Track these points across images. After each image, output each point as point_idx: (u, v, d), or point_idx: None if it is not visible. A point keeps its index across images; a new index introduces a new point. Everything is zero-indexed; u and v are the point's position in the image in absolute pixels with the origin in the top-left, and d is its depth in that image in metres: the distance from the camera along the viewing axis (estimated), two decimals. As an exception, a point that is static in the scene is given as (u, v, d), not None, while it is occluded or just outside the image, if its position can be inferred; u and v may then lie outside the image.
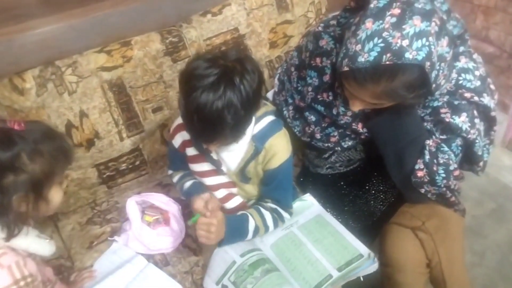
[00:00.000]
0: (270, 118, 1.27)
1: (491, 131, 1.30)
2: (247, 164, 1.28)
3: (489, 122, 1.28)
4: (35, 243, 1.04)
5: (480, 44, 2.31)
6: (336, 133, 1.39)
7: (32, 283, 0.99)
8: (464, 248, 1.41)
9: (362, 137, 1.36)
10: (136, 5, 1.64)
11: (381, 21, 1.03)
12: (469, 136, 1.22)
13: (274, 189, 1.33)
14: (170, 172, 1.50)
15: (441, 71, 1.06)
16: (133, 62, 1.58)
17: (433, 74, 1.05)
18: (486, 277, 1.87)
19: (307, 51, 1.38)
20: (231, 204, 1.39)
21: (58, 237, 1.54)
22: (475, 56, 1.27)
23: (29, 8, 1.54)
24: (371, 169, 1.49)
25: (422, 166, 1.23)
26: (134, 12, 1.64)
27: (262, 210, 1.34)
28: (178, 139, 1.34)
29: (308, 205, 1.46)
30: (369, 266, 1.27)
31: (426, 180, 1.24)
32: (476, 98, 1.21)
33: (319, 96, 1.36)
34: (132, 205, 1.43)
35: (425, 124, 1.26)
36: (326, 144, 1.41)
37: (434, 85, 1.07)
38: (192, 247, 1.43)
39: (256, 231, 1.32)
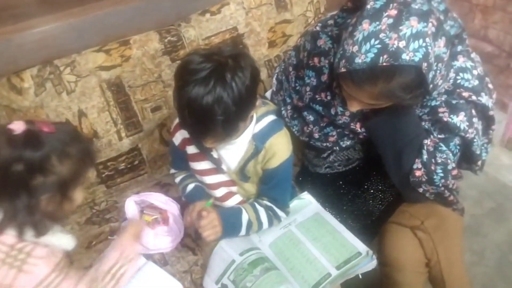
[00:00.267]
0: (271, 117, 1.27)
1: (489, 130, 1.30)
2: (247, 163, 1.28)
3: (487, 121, 1.28)
4: (59, 238, 1.07)
5: (479, 43, 2.31)
6: (334, 133, 1.39)
7: (62, 269, 1.05)
8: (463, 248, 1.41)
9: (361, 137, 1.36)
10: (135, 4, 1.64)
11: (377, 22, 1.03)
12: (467, 135, 1.22)
13: (272, 188, 1.33)
14: (172, 171, 1.50)
15: (438, 71, 1.06)
16: (131, 62, 1.58)
17: (430, 75, 1.05)
18: (485, 276, 1.87)
19: (305, 51, 1.38)
20: (230, 203, 1.39)
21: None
22: (473, 55, 1.27)
23: (27, 7, 1.54)
24: (370, 168, 1.49)
25: (420, 166, 1.23)
26: (132, 11, 1.64)
27: (257, 206, 1.35)
28: (178, 137, 1.34)
29: (306, 203, 1.46)
30: (368, 263, 1.27)
31: (424, 179, 1.24)
32: (474, 97, 1.20)
33: (317, 96, 1.36)
34: (130, 205, 1.43)
35: (423, 123, 1.26)
36: (325, 144, 1.41)
37: (431, 86, 1.07)
38: (191, 246, 1.42)
39: (249, 225, 1.33)
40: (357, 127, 1.33)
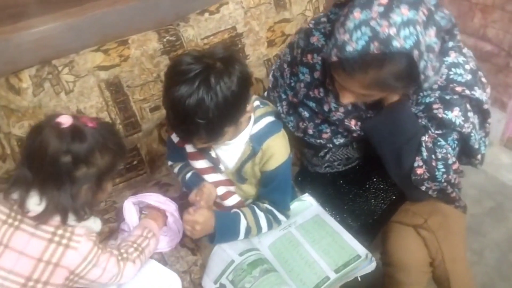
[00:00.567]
0: (269, 119, 1.27)
1: (485, 123, 1.30)
2: (243, 164, 1.27)
3: (483, 115, 1.27)
4: (90, 221, 1.15)
5: (478, 42, 2.31)
6: (328, 130, 1.39)
7: (99, 245, 1.14)
8: (466, 246, 1.41)
9: (355, 135, 1.36)
10: (133, 4, 1.64)
11: (368, 11, 1.03)
12: (464, 130, 1.21)
13: (272, 191, 1.33)
14: (170, 163, 1.50)
15: (429, 62, 1.06)
16: (130, 61, 1.57)
17: (422, 64, 1.05)
18: (485, 275, 1.87)
19: (298, 48, 1.38)
20: (230, 202, 1.39)
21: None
22: (465, 50, 1.26)
23: (25, 7, 1.53)
24: (372, 167, 1.49)
25: (421, 163, 1.22)
26: (131, 11, 1.64)
27: (257, 210, 1.34)
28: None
29: (306, 205, 1.46)
30: (367, 266, 1.27)
31: (426, 176, 1.23)
32: (467, 92, 1.20)
33: (310, 93, 1.36)
34: (128, 207, 1.43)
35: (420, 120, 1.25)
36: (318, 141, 1.41)
37: (422, 76, 1.07)
38: (190, 246, 1.42)
39: (248, 231, 1.33)
40: (352, 124, 1.32)
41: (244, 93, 1.12)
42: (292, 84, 1.43)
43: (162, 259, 1.39)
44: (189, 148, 1.33)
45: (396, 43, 1.00)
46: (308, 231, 1.36)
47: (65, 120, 1.07)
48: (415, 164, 1.23)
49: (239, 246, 1.31)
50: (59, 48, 1.53)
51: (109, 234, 1.47)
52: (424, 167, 1.22)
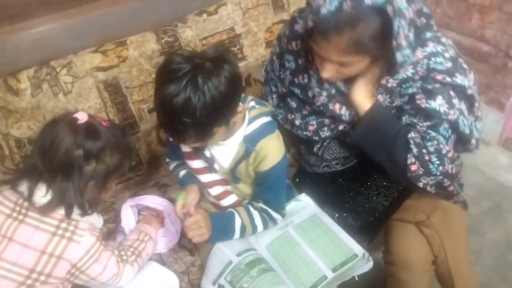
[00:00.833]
0: (264, 119, 1.27)
1: (473, 108, 1.29)
2: (237, 164, 1.28)
3: (469, 100, 1.27)
4: (93, 216, 1.18)
5: (476, 43, 2.31)
6: (314, 122, 1.40)
7: (101, 241, 1.16)
8: (468, 243, 1.41)
9: (340, 128, 1.36)
10: (132, 5, 1.64)
11: None
12: (450, 117, 1.21)
13: (266, 191, 1.33)
14: (167, 160, 1.51)
15: (401, 28, 1.07)
16: (128, 62, 1.58)
17: (395, 26, 1.06)
18: (483, 275, 1.87)
19: (285, 37, 1.41)
20: (226, 202, 1.39)
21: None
22: (443, 40, 1.26)
23: (23, 8, 1.53)
24: (372, 165, 1.48)
25: (413, 160, 1.22)
26: (129, 12, 1.64)
27: (252, 209, 1.34)
28: None
29: (303, 205, 1.46)
30: (364, 265, 1.27)
31: (421, 172, 1.22)
32: (448, 79, 1.20)
33: (295, 79, 1.38)
34: (126, 211, 1.43)
35: (406, 116, 1.25)
36: (305, 133, 1.42)
37: (395, 43, 1.08)
38: (189, 247, 1.42)
39: (243, 229, 1.33)
40: (336, 108, 1.32)
41: (233, 93, 1.12)
42: (282, 76, 1.45)
43: (161, 259, 1.39)
44: (184, 148, 1.33)
45: (368, 0, 1.03)
46: (305, 231, 1.37)
47: (82, 116, 1.13)
48: (408, 162, 1.22)
49: (236, 246, 1.32)
50: (57, 49, 1.53)
51: (107, 235, 1.48)
52: (417, 163, 1.22)
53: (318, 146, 1.47)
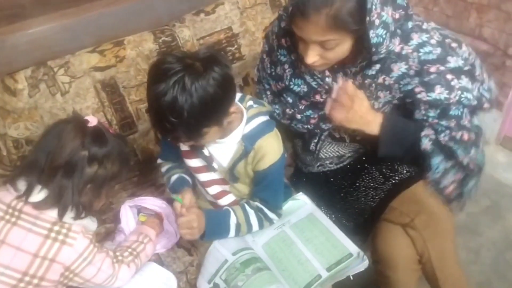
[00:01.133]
0: (262, 118, 1.27)
1: (475, 76, 1.30)
2: (236, 163, 1.28)
3: (468, 73, 1.28)
4: (86, 219, 1.18)
5: (474, 41, 2.31)
6: (316, 115, 1.40)
7: (95, 244, 1.16)
8: (456, 245, 1.41)
9: None
10: (129, 5, 1.64)
11: None
12: (451, 100, 1.24)
13: (263, 190, 1.33)
14: (159, 161, 1.49)
15: (374, 6, 1.09)
16: (126, 62, 1.57)
17: (369, 3, 1.08)
18: (481, 274, 1.87)
19: (273, 34, 1.43)
20: (224, 201, 1.39)
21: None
22: (425, 26, 1.27)
23: (21, 9, 1.53)
24: (361, 166, 1.50)
25: (441, 168, 1.32)
26: (126, 12, 1.64)
27: (247, 208, 1.34)
28: None
29: (300, 204, 1.46)
30: (359, 265, 1.27)
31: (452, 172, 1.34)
32: (442, 68, 1.23)
33: (296, 71, 1.39)
34: (125, 211, 1.43)
35: (417, 111, 1.29)
36: (306, 126, 1.42)
37: (368, 18, 1.10)
38: (187, 247, 1.42)
39: (238, 228, 1.33)
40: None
41: (224, 95, 1.11)
42: (273, 73, 1.46)
43: (159, 259, 1.39)
44: (183, 147, 1.33)
45: None
46: (301, 230, 1.37)
47: (92, 120, 1.17)
48: (438, 169, 1.32)
49: (233, 245, 1.32)
50: (54, 49, 1.53)
51: (105, 235, 1.48)
52: (444, 163, 1.32)
53: (315, 141, 1.47)
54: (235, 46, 1.79)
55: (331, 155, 1.52)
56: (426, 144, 1.29)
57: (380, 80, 1.27)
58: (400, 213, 1.37)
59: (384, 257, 1.39)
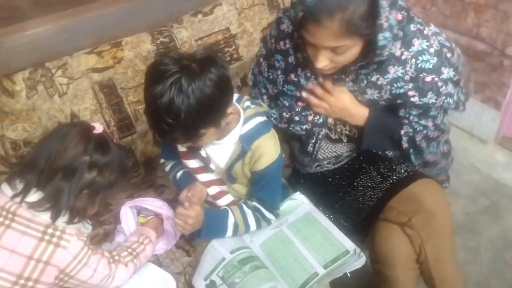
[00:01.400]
0: (259, 119, 1.27)
1: (459, 83, 1.39)
2: (233, 164, 1.28)
3: (455, 82, 1.36)
4: (79, 224, 1.19)
5: (472, 41, 2.32)
6: (311, 112, 1.42)
7: (89, 246, 1.16)
8: (454, 244, 1.41)
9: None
10: (126, 6, 1.64)
11: None
12: (437, 104, 1.33)
13: (261, 190, 1.33)
14: (162, 161, 1.50)
15: (382, 9, 1.10)
16: (124, 63, 1.57)
17: (378, 6, 1.09)
18: (480, 274, 1.87)
19: (271, 38, 1.43)
20: (223, 202, 1.40)
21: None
22: (426, 31, 1.29)
23: (18, 10, 1.53)
24: (359, 166, 1.51)
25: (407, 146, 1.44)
26: (124, 13, 1.64)
27: (245, 208, 1.35)
28: None
29: (298, 203, 1.47)
30: (356, 261, 1.28)
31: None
32: (436, 79, 1.29)
33: (288, 77, 1.40)
34: (126, 212, 1.43)
35: (402, 110, 1.37)
36: (304, 126, 1.43)
37: (378, 21, 1.11)
38: (185, 248, 1.42)
39: (236, 227, 1.33)
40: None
41: (220, 96, 1.11)
42: (271, 77, 1.47)
43: (157, 260, 1.39)
44: (181, 148, 1.34)
45: None
46: (299, 229, 1.37)
47: (98, 127, 1.18)
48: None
49: (230, 244, 1.32)
50: (52, 50, 1.53)
51: (104, 236, 1.48)
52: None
53: (313, 142, 1.47)
54: (233, 47, 1.79)
55: (329, 156, 1.53)
56: (405, 143, 1.43)
57: (374, 78, 1.29)
58: (398, 213, 1.37)
59: (383, 256, 1.39)
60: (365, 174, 1.47)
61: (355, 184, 1.48)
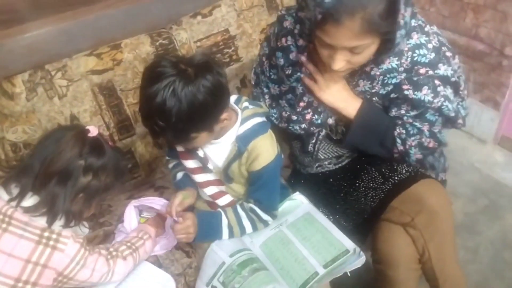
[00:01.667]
0: (257, 120, 1.27)
1: (459, 91, 1.35)
2: (230, 164, 1.28)
3: (454, 85, 1.32)
4: (75, 228, 1.19)
5: (471, 41, 2.32)
6: (310, 110, 1.42)
7: (86, 247, 1.16)
8: (456, 244, 1.42)
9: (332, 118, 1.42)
10: (126, 8, 1.64)
11: None
12: (434, 105, 1.29)
13: (258, 190, 1.33)
14: (167, 158, 1.51)
15: (401, 7, 1.10)
16: (123, 65, 1.58)
17: (397, 3, 1.09)
18: (479, 273, 1.88)
19: (274, 36, 1.43)
20: (222, 202, 1.40)
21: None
22: (427, 28, 1.29)
23: (18, 12, 1.54)
24: (361, 166, 1.50)
25: (397, 152, 1.38)
26: (123, 15, 1.64)
27: (239, 210, 1.35)
28: None
29: (297, 203, 1.46)
30: (356, 261, 1.28)
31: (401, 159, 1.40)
32: (430, 72, 1.26)
33: (288, 72, 1.41)
34: (130, 211, 1.43)
35: (395, 109, 1.34)
36: (303, 125, 1.43)
37: (398, 20, 1.11)
38: (185, 249, 1.42)
39: (231, 230, 1.34)
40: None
41: (214, 102, 1.12)
42: (273, 77, 1.47)
43: (157, 261, 1.39)
44: (179, 148, 1.34)
45: None
46: (298, 229, 1.37)
47: (93, 130, 1.17)
48: (394, 152, 1.38)
49: (230, 247, 1.32)
50: (52, 52, 1.53)
51: (104, 237, 1.48)
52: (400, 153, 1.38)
53: (313, 142, 1.47)
54: (232, 48, 1.79)
55: (330, 156, 1.53)
56: (400, 145, 1.36)
57: (367, 68, 1.29)
58: (400, 213, 1.37)
59: (385, 257, 1.39)
60: (367, 175, 1.47)
61: (357, 184, 1.48)
